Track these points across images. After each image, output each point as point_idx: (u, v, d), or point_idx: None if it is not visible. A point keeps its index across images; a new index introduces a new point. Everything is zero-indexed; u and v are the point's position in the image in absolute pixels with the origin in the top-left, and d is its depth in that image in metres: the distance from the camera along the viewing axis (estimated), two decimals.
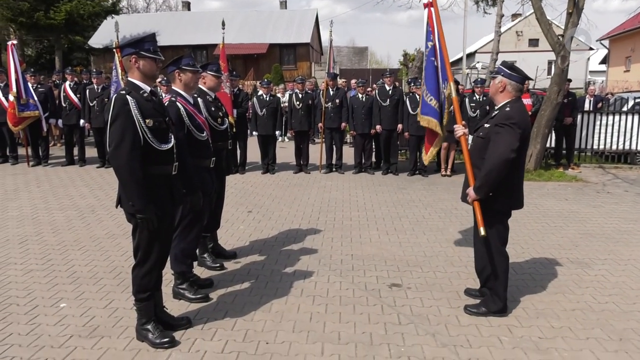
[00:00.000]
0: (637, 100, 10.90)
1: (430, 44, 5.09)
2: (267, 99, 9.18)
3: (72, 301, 3.79)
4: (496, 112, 3.51)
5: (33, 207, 6.69)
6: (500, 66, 3.61)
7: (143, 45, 3.01)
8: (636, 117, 10.20)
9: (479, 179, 3.41)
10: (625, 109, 10.64)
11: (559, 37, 9.15)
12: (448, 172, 9.12)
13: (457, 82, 9.53)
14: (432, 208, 6.69)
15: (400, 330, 3.35)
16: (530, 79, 3.85)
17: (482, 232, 3.41)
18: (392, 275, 4.36)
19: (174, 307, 3.66)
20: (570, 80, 9.44)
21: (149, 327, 3.16)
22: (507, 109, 3.42)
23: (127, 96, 2.92)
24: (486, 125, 3.54)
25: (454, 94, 4.19)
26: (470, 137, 3.84)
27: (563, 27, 9.34)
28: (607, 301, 3.83)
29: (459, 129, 3.79)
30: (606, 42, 29.29)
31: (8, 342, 3.16)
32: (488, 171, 3.33)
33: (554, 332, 3.35)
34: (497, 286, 3.54)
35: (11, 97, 9.08)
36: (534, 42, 36.35)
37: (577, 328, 3.40)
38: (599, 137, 10.33)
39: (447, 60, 4.56)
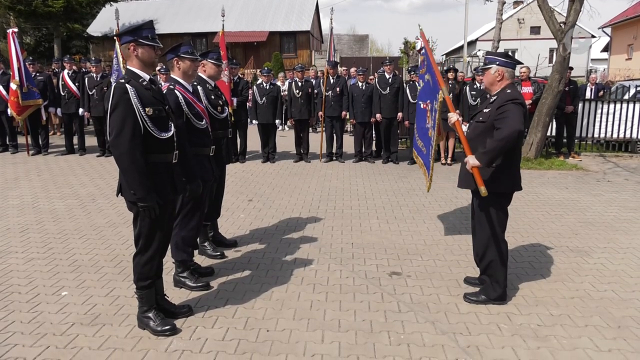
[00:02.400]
0: (638, 89, 10.85)
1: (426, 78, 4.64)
2: (267, 87, 9.14)
3: (73, 289, 3.81)
4: (495, 97, 3.51)
5: (33, 195, 6.70)
6: (492, 56, 3.58)
7: (141, 32, 2.99)
8: (637, 106, 10.16)
9: (488, 145, 3.35)
10: (626, 97, 10.59)
11: (561, 24, 9.07)
12: (448, 161, 9.11)
13: (456, 70, 9.49)
14: (432, 197, 6.70)
15: (400, 318, 3.38)
16: (520, 63, 3.81)
17: (484, 191, 3.38)
18: (392, 263, 4.38)
19: (175, 295, 3.68)
20: (571, 68, 9.38)
21: (150, 314, 3.17)
22: (508, 91, 3.44)
23: (127, 85, 2.90)
24: (485, 110, 3.53)
25: (445, 94, 4.08)
26: (465, 126, 3.83)
27: (565, 14, 9.26)
28: (606, 289, 3.85)
29: (453, 116, 3.77)
30: (608, 30, 29.07)
31: (10, 330, 3.19)
32: (498, 141, 3.30)
33: (553, 319, 3.37)
34: (496, 273, 3.56)
35: (14, 86, 9.04)
36: (535, 30, 36.10)
37: (576, 316, 3.42)
38: (600, 126, 10.29)
39: (437, 70, 4.32)
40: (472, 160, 3.43)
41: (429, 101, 4.44)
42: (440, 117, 4.04)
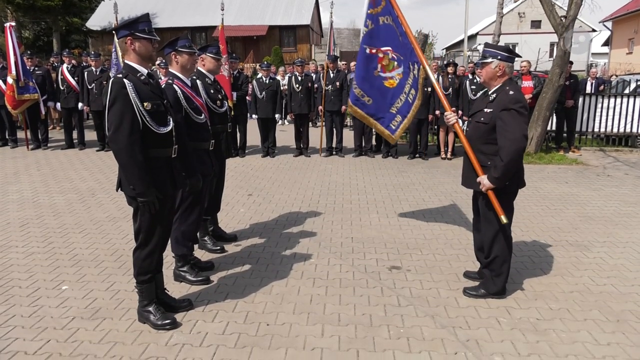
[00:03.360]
0: (639, 83, 10.83)
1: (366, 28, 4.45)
2: (267, 81, 9.12)
3: (73, 284, 3.81)
4: (494, 96, 3.46)
5: (33, 190, 6.70)
6: (493, 50, 3.49)
7: (137, 26, 2.97)
8: (638, 100, 10.14)
9: (498, 170, 3.29)
10: (627, 91, 10.57)
11: (562, 18, 9.04)
12: (448, 156, 9.10)
13: (455, 64, 9.47)
14: (432, 191, 6.70)
15: (399, 312, 3.38)
16: (518, 56, 3.77)
17: (504, 219, 3.37)
18: (392, 257, 4.38)
19: (175, 289, 3.68)
20: (572, 63, 9.36)
21: (150, 308, 3.18)
22: (511, 92, 3.37)
23: (124, 79, 2.89)
24: (487, 110, 3.45)
25: (433, 79, 4.05)
26: (465, 122, 3.81)
27: (566, 8, 9.23)
28: (605, 283, 3.86)
29: (451, 117, 3.74)
30: (609, 24, 28.96)
31: (11, 324, 3.20)
32: (507, 162, 3.25)
33: (552, 313, 3.38)
34: (499, 268, 3.53)
35: (10, 80, 9.02)
36: (536, 24, 35.96)
37: (575, 310, 3.43)
38: (600, 120, 10.28)
39: (415, 42, 4.29)
40: (486, 183, 3.38)
41: (390, 52, 4.28)
42: (422, 86, 4.06)
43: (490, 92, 3.51)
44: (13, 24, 9.40)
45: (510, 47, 3.70)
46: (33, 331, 3.11)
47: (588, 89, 10.47)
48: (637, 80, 10.95)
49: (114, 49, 9.09)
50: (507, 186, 3.42)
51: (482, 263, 3.74)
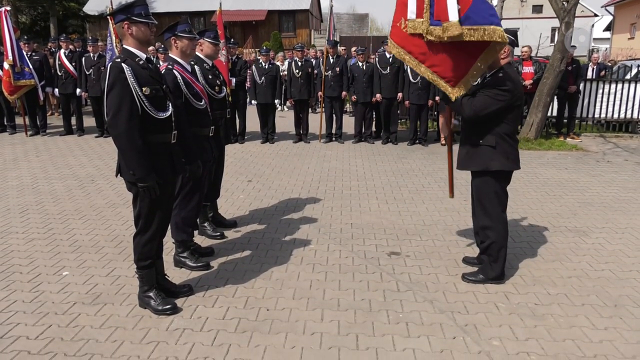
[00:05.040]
0: None
1: None
2: (266, 67, 9.06)
3: (74, 269, 3.83)
4: (488, 79, 3.49)
5: (33, 176, 6.69)
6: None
7: (133, 10, 2.93)
8: (639, 86, 10.08)
9: (460, 102, 3.50)
10: (628, 77, 10.51)
11: (564, 2, 8.95)
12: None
13: None
14: (431, 177, 6.70)
15: (398, 297, 3.40)
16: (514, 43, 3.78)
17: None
18: (391, 243, 4.40)
19: (176, 275, 3.70)
20: (574, 47, 9.27)
21: (151, 294, 3.20)
22: (500, 74, 3.43)
23: (123, 64, 2.87)
24: (481, 92, 3.51)
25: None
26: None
27: None
28: (604, 268, 3.88)
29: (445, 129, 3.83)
30: (611, 9, 28.70)
31: (12, 309, 3.22)
32: (454, 106, 3.55)
33: (550, 298, 3.40)
34: (496, 253, 3.57)
35: (6, 65, 8.94)
36: (537, 9, 35.66)
37: (573, 295, 3.45)
38: (601, 106, 10.24)
39: None
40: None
41: None
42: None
43: (487, 75, 3.52)
44: (8, 8, 9.30)
45: (514, 31, 3.71)
46: (34, 316, 3.13)
47: (589, 75, 10.41)
48: (638, 66, 10.87)
49: (108, 34, 8.99)
50: (495, 163, 3.46)
51: (480, 248, 3.76)
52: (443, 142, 9.10)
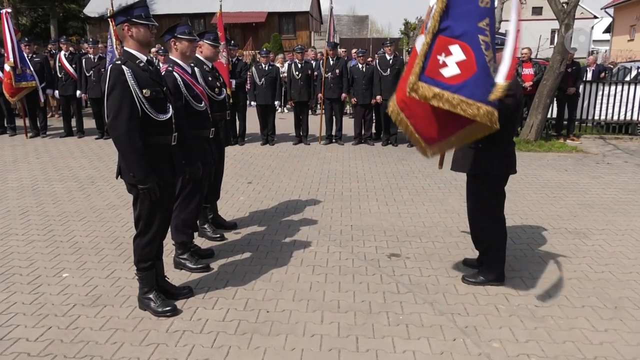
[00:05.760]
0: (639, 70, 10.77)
1: None
2: (266, 68, 9.07)
3: (74, 271, 3.83)
4: None
5: (33, 178, 6.69)
6: (502, 37, 3.49)
7: (133, 12, 2.94)
8: (638, 87, 10.09)
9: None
10: (628, 78, 10.51)
11: (564, 4, 8.96)
12: None
13: None
14: (431, 179, 6.70)
15: (398, 299, 3.40)
16: None
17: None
18: (391, 245, 4.40)
19: (175, 277, 3.70)
20: (574, 49, 9.28)
21: (151, 296, 3.20)
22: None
23: (123, 66, 2.87)
24: None
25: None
26: None
27: None
28: (604, 270, 3.87)
29: None
30: (611, 11, 28.73)
31: (12, 311, 3.21)
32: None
33: (550, 300, 3.40)
34: (495, 255, 3.57)
35: (7, 67, 8.95)
36: (537, 10, 35.68)
37: (573, 296, 3.45)
38: (601, 108, 10.24)
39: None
40: None
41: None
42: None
43: None
44: (9, 10, 9.31)
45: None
46: (34, 318, 3.13)
47: (588, 77, 10.40)
48: (638, 68, 10.88)
49: (109, 36, 9.00)
50: (494, 169, 3.45)
51: (479, 250, 3.77)
52: None
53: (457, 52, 2.78)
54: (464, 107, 2.79)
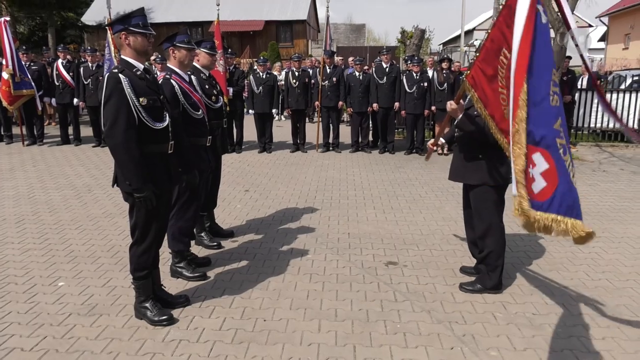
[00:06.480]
0: (635, 78, 10.85)
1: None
2: (264, 76, 9.09)
3: (70, 280, 3.81)
4: None
5: (29, 186, 6.67)
6: None
7: (131, 20, 2.95)
8: (634, 95, 10.16)
9: (471, 123, 3.40)
10: (622, 87, 10.58)
11: (558, 13, 9.03)
12: (445, 151, 9.10)
13: (450, 60, 9.47)
14: (428, 187, 6.71)
15: (396, 307, 3.39)
16: None
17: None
18: (389, 253, 4.39)
19: (172, 285, 3.68)
20: (570, 58, 9.34)
21: (147, 305, 3.18)
22: None
23: (120, 75, 2.88)
24: None
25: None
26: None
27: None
28: (601, 278, 3.88)
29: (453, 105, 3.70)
30: (605, 19, 28.97)
31: (7, 321, 3.19)
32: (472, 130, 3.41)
33: (548, 308, 3.39)
34: (494, 263, 3.56)
35: (5, 75, 8.96)
36: None
37: (571, 304, 3.45)
38: (596, 116, 10.29)
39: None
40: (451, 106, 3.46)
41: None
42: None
43: None
44: (8, 18, 9.34)
45: None
46: (29, 328, 3.11)
47: (580, 84, 10.43)
48: (632, 76, 10.96)
49: (106, 45, 9.03)
50: (493, 178, 3.46)
51: (476, 258, 3.77)
52: (440, 151, 9.12)
53: (540, 162, 2.42)
54: (554, 226, 2.47)
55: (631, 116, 10.19)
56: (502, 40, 2.77)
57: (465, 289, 3.63)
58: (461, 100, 3.50)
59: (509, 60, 2.66)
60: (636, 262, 4.21)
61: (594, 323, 3.20)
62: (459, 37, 27.05)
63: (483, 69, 3.00)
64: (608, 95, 10.20)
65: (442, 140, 3.90)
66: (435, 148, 3.92)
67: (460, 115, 3.46)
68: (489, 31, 2.88)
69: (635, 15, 25.89)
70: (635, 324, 3.19)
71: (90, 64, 9.47)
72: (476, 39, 30.20)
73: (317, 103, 9.31)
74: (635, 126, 10.25)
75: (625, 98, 10.16)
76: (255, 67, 9.69)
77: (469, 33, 35.12)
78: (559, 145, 2.46)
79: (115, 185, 3.06)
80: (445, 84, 8.90)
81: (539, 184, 2.41)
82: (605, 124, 10.33)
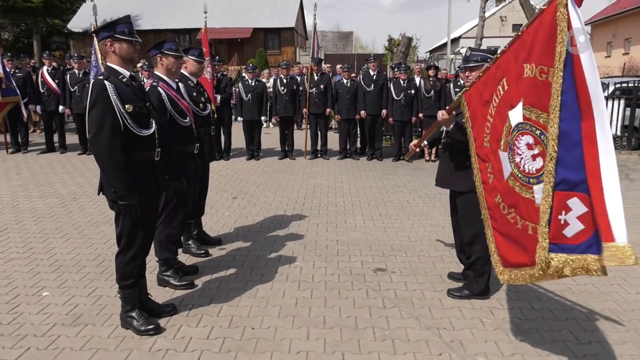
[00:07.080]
0: (617, 86, 11.04)
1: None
2: (252, 84, 9.09)
3: (54, 290, 3.75)
4: None
5: (13, 194, 6.57)
6: (482, 53, 3.50)
7: (116, 27, 2.94)
8: (616, 102, 10.34)
9: (459, 132, 3.39)
10: (605, 94, 10.77)
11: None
12: (432, 158, 9.17)
13: (436, 67, 9.56)
14: (416, 193, 6.74)
15: (384, 314, 3.39)
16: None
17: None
18: (377, 259, 4.40)
19: (159, 294, 3.64)
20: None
21: (133, 314, 3.14)
22: None
23: (105, 81, 2.86)
24: None
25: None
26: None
27: None
28: (586, 282, 3.92)
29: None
30: (588, 28, 29.53)
31: None
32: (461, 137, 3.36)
33: (535, 313, 3.42)
34: (482, 269, 3.58)
35: None
36: (517, 28, 36.47)
37: (557, 309, 3.48)
38: None
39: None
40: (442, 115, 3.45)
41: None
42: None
43: None
44: None
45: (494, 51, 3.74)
46: (12, 339, 3.05)
47: None
48: (615, 84, 11.16)
49: (93, 52, 8.96)
50: None
51: (464, 264, 3.78)
52: (427, 157, 9.18)
53: (576, 206, 2.37)
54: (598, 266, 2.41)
55: (614, 123, 10.36)
56: (507, 71, 2.79)
57: (453, 295, 3.65)
58: (453, 111, 3.52)
59: (505, 92, 2.75)
60: (620, 266, 4.25)
61: (580, 327, 3.23)
62: (445, 45, 27.36)
63: (481, 91, 3.04)
64: None
65: (425, 142, 3.93)
66: (417, 149, 3.95)
67: (452, 126, 3.49)
68: (499, 56, 2.90)
69: (616, 24, 26.44)
70: (620, 329, 3.22)
71: (77, 71, 9.38)
72: (462, 47, 30.57)
73: (305, 110, 9.33)
74: (618, 133, 10.43)
75: (607, 105, 10.32)
76: (244, 75, 9.68)
77: (455, 41, 35.54)
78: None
79: (101, 193, 3.03)
80: (432, 91, 8.98)
81: (575, 228, 2.38)
82: None
